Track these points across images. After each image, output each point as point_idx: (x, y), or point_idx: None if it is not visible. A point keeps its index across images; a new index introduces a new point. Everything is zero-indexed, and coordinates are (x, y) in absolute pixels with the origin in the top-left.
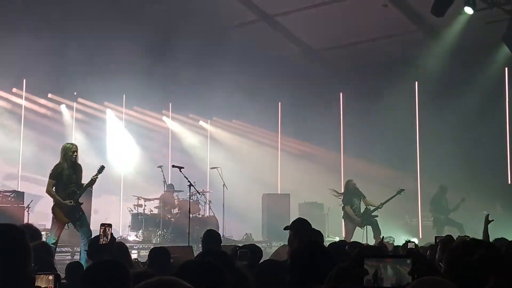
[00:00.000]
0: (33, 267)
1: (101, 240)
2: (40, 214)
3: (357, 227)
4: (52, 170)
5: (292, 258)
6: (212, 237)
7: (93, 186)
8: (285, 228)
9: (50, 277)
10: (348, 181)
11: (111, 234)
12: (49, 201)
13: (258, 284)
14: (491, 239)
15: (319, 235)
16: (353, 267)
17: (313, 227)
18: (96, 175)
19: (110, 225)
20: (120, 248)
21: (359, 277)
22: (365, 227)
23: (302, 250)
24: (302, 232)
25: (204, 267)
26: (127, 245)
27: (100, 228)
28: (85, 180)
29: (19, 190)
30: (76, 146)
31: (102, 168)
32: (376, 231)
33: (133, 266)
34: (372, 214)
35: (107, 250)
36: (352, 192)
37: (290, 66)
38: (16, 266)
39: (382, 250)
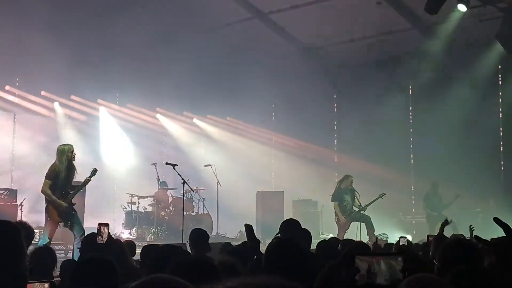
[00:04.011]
0: (28, 265)
1: (98, 239)
2: (32, 212)
3: (350, 223)
4: (49, 170)
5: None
6: (199, 236)
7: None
8: (276, 235)
9: (46, 285)
10: (346, 176)
11: (108, 233)
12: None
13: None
14: (487, 236)
15: (308, 234)
16: (343, 265)
17: (307, 224)
18: (90, 177)
19: (107, 225)
20: (116, 246)
21: (349, 276)
22: (359, 224)
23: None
24: (290, 233)
25: (198, 263)
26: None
27: (98, 227)
28: (78, 178)
29: (12, 188)
30: (72, 146)
31: (95, 171)
32: (370, 228)
33: (130, 264)
34: (361, 212)
35: (101, 248)
36: (344, 189)
37: (284, 64)
38: (11, 264)
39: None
